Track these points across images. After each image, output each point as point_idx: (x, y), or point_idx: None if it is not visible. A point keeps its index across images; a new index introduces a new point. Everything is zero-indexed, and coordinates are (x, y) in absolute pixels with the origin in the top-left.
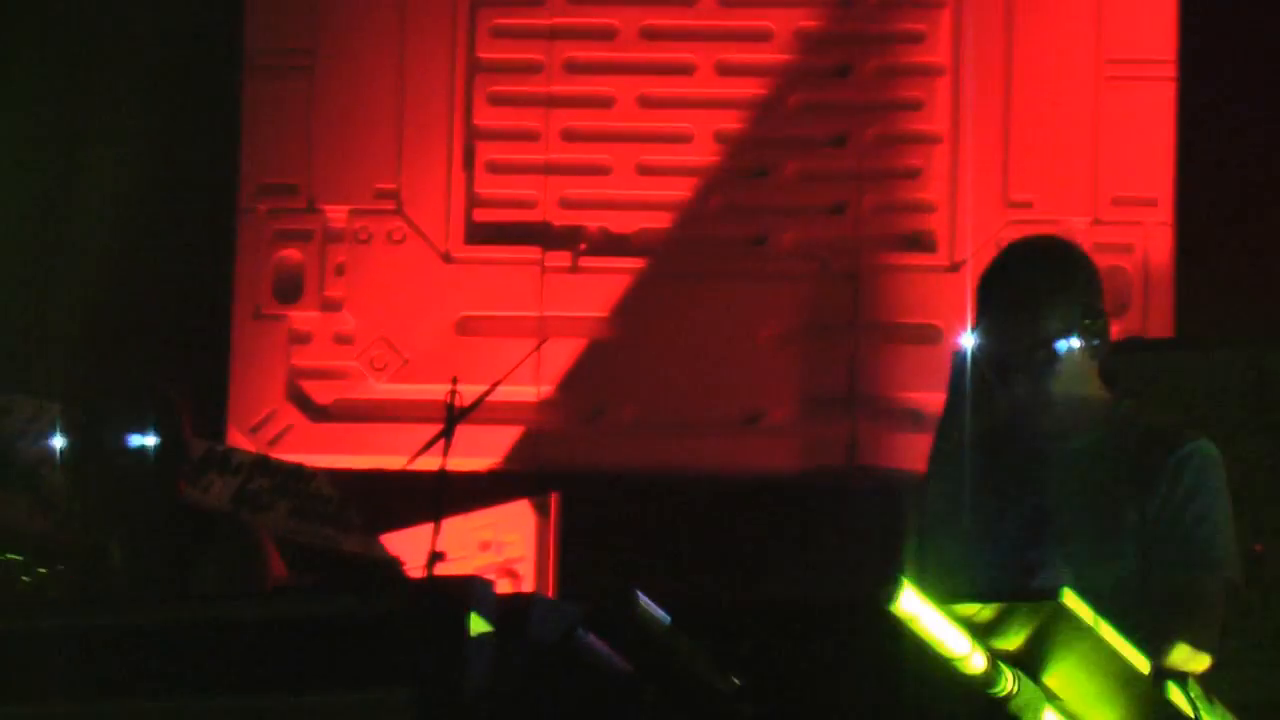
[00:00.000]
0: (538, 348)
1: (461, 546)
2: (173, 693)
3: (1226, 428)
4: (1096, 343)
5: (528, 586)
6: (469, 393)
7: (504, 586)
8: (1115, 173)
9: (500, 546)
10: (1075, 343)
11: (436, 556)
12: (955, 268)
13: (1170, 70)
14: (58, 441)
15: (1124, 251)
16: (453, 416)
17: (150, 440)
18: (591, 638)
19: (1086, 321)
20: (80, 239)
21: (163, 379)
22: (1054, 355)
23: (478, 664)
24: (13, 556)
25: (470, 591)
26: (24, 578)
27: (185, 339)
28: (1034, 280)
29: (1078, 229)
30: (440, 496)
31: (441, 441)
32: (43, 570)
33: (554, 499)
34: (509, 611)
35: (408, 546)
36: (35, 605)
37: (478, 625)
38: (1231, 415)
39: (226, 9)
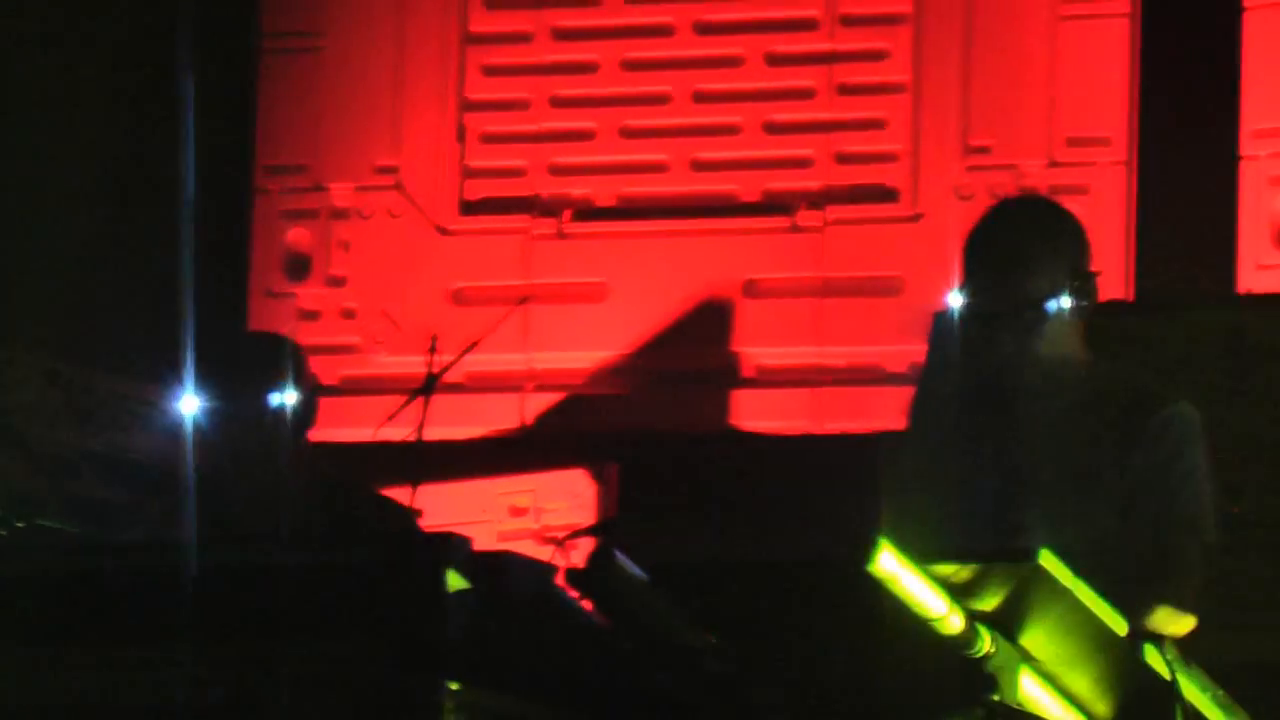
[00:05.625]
0: (508, 314)
1: (485, 510)
2: (149, 640)
3: (1201, 391)
4: (1084, 303)
5: (578, 557)
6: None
7: (542, 554)
8: (1070, 113)
9: (539, 513)
10: (1063, 302)
11: (413, 514)
12: (916, 218)
13: (1124, 6)
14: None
15: (1079, 192)
16: (430, 378)
17: (290, 398)
18: (568, 594)
19: (1075, 282)
20: (104, 218)
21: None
22: (1042, 315)
23: (453, 618)
24: None
25: (446, 547)
26: (0, 531)
27: (203, 319)
28: (1022, 239)
29: (1033, 172)
30: (417, 457)
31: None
32: (19, 524)
33: (614, 470)
34: (485, 567)
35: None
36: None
37: (454, 580)
38: (1206, 379)
39: None
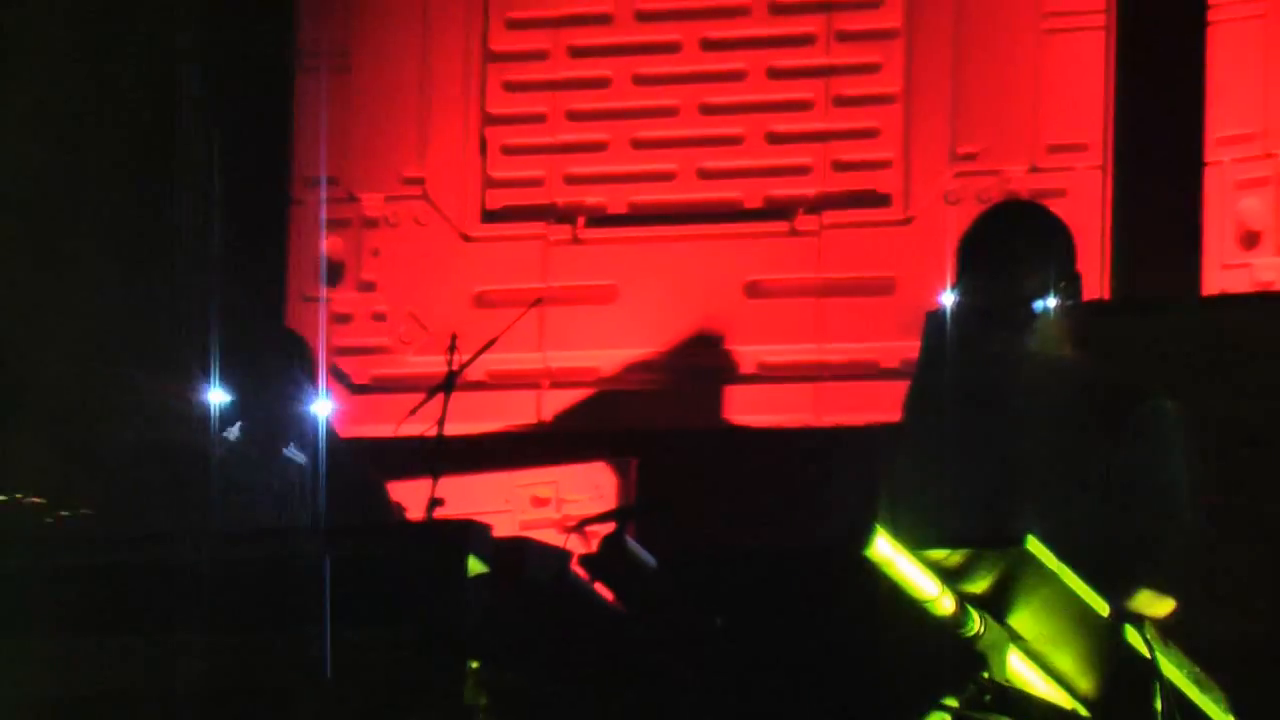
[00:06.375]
0: (521, 315)
1: (508, 500)
2: (180, 627)
3: (1183, 387)
4: (1071, 303)
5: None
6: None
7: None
8: (1051, 121)
9: (560, 504)
10: (1052, 302)
11: (436, 503)
12: (908, 222)
13: (1100, 20)
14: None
15: (1058, 196)
16: (450, 376)
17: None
18: (582, 579)
19: (1062, 283)
20: (150, 231)
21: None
22: (1032, 314)
23: (475, 602)
24: (37, 500)
25: (467, 535)
26: (47, 519)
27: (245, 324)
28: (1015, 242)
29: (1016, 177)
30: (439, 448)
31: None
32: (65, 513)
33: (634, 465)
34: (504, 554)
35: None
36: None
37: (475, 566)
38: (1187, 375)
39: (278, 15)
